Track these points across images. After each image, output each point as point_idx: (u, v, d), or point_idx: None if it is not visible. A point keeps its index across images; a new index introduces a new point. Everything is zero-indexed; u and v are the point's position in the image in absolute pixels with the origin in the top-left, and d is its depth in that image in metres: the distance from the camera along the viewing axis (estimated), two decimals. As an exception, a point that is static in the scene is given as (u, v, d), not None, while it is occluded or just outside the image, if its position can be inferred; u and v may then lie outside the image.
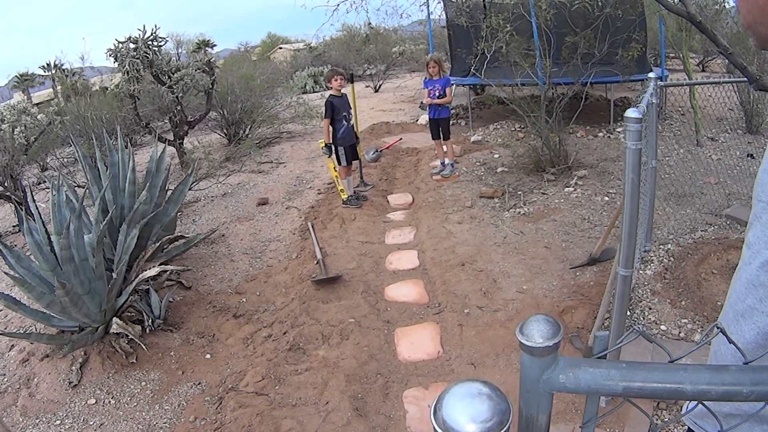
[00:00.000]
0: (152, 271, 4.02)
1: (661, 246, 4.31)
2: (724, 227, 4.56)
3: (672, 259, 4.10)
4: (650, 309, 3.54)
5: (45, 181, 8.89)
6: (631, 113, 2.12)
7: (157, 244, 4.51)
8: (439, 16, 11.07)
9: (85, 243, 3.86)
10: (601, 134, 8.21)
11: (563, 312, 3.65)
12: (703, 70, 15.18)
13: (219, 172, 7.48)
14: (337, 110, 5.85)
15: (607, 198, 5.52)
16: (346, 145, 5.99)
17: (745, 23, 0.85)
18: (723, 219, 4.70)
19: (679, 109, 9.05)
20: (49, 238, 3.80)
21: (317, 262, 4.73)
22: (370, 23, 20.75)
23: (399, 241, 5.24)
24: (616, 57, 7.35)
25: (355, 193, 6.28)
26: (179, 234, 5.39)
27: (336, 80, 5.88)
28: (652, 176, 3.94)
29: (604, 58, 7.03)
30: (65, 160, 9.25)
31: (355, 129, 6.31)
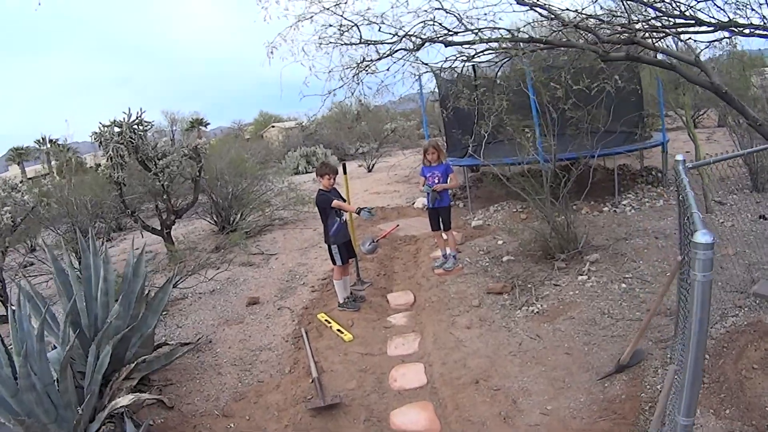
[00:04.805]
0: (125, 400, 3.60)
1: (694, 343, 3.90)
2: (755, 308, 4.30)
3: (707, 357, 3.80)
4: (694, 426, 3.09)
5: (32, 264, 8.46)
6: (701, 238, 1.74)
7: (133, 365, 4.05)
8: (432, 91, 10.98)
9: (50, 365, 3.47)
10: (606, 209, 7.96)
11: (597, 438, 3.16)
12: (695, 127, 15.41)
13: (207, 267, 7.03)
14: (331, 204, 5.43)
15: (624, 285, 5.17)
16: (339, 243, 5.51)
17: None
18: (751, 298, 4.42)
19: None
20: (9, 358, 3.39)
21: (312, 381, 4.25)
22: (361, 100, 20.98)
23: (402, 351, 4.75)
24: (620, 126, 7.21)
25: (351, 293, 5.80)
26: (163, 341, 5.05)
27: (326, 178, 5.45)
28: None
29: (605, 130, 6.84)
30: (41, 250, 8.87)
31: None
